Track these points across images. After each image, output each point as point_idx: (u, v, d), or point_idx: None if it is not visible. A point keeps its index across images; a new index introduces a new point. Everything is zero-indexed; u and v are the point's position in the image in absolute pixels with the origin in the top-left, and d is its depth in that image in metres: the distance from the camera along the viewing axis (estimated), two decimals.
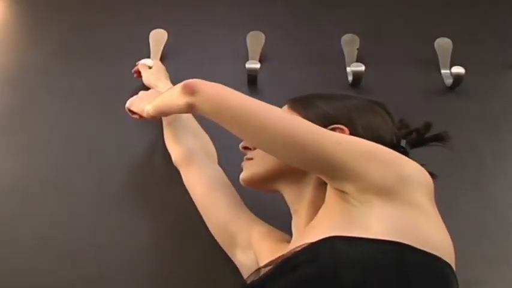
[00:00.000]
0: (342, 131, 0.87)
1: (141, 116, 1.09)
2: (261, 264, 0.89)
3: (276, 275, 0.75)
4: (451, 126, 0.96)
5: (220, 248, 1.04)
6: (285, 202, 0.96)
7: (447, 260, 0.73)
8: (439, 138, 0.95)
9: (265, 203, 1.05)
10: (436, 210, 0.78)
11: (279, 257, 0.78)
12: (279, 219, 0.99)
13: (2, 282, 1.09)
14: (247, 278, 0.85)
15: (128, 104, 1.11)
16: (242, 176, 0.97)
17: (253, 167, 0.96)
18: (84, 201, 1.17)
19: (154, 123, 1.20)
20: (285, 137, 0.80)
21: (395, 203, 0.74)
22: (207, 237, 1.05)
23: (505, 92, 1.35)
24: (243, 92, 0.87)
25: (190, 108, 0.90)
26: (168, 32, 1.36)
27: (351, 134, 0.87)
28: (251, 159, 0.97)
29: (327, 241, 0.72)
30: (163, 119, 1.17)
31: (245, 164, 0.98)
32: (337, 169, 0.77)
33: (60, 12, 1.46)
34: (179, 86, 0.91)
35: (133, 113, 1.11)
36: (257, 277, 0.80)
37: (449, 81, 1.33)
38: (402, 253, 0.69)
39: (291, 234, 0.95)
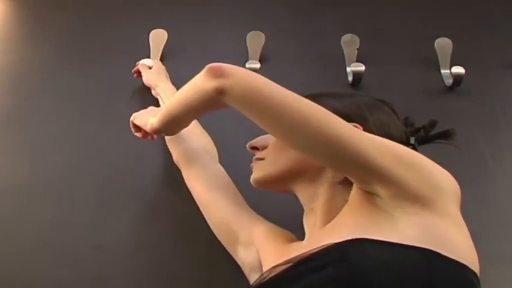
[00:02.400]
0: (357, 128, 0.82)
1: (145, 134, 1.06)
2: (265, 263, 0.89)
3: (296, 274, 0.72)
4: (451, 126, 0.95)
5: (221, 248, 1.03)
6: (289, 201, 0.94)
7: (473, 268, 0.72)
8: (446, 136, 0.93)
9: (267, 202, 1.04)
10: (461, 217, 0.76)
11: (297, 256, 0.74)
12: (281, 218, 0.99)
13: (2, 282, 1.09)
14: (258, 278, 0.82)
15: (132, 117, 1.09)
16: (254, 176, 0.93)
17: (265, 167, 0.91)
18: (84, 202, 1.17)
19: None
20: (326, 137, 0.72)
21: (427, 210, 0.71)
22: (207, 237, 1.04)
23: (505, 92, 1.35)
24: None
25: (218, 94, 0.78)
26: (168, 32, 1.36)
27: (364, 131, 0.82)
28: (262, 159, 0.93)
29: (355, 242, 0.69)
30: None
31: (255, 165, 0.94)
32: (373, 173, 0.73)
33: (60, 12, 1.46)
34: (200, 73, 0.82)
35: (137, 129, 1.08)
36: (270, 276, 0.76)
37: (449, 81, 1.33)
38: (431, 260, 0.68)
39: (293, 232, 0.95)
